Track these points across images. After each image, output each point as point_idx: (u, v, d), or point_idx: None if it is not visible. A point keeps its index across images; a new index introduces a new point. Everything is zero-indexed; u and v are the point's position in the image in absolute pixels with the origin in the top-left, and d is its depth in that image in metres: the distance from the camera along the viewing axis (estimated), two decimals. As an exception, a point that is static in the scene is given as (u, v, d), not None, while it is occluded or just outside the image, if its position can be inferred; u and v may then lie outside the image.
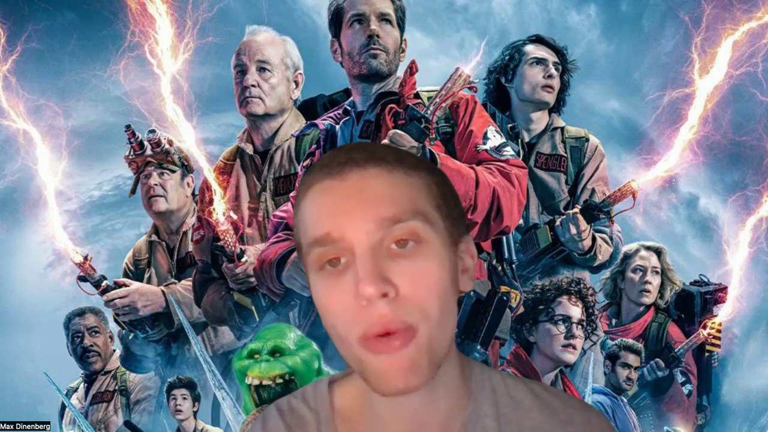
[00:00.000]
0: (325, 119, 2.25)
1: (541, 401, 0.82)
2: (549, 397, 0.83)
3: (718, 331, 3.02)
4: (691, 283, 3.23)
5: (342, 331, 0.73)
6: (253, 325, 2.46)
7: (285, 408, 0.85)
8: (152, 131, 2.91)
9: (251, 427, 0.90)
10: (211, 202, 2.43)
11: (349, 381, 0.84)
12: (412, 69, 2.13)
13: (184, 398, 2.58)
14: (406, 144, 1.91)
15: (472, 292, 2.00)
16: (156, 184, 2.97)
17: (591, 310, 2.40)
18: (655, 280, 3.22)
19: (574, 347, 2.32)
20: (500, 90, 3.03)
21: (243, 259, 2.41)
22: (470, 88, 2.03)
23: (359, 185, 0.73)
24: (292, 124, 2.70)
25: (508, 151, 2.10)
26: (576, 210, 2.61)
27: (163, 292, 2.90)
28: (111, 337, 3.27)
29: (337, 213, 0.73)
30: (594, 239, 2.68)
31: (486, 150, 2.08)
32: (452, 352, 0.79)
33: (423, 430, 0.79)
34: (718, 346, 3.08)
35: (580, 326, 2.34)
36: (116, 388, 3.20)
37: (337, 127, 2.23)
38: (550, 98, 2.94)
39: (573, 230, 2.58)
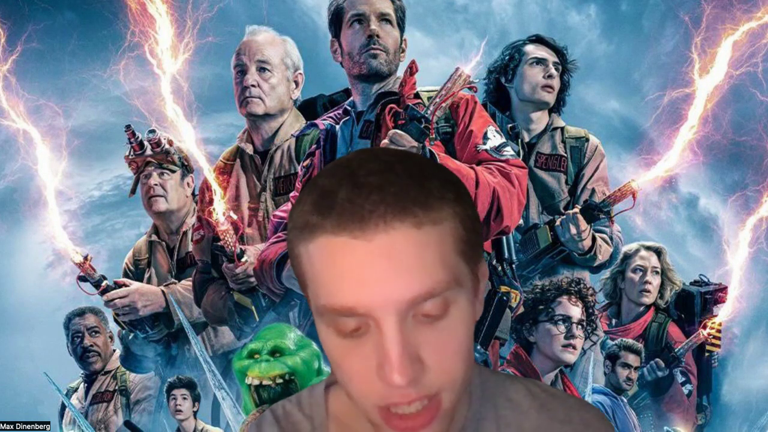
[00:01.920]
0: (325, 119, 2.25)
1: (540, 402, 0.82)
2: (547, 397, 0.82)
3: (718, 331, 3.02)
4: (691, 283, 3.23)
5: (356, 392, 0.69)
6: (253, 325, 2.46)
7: (280, 413, 0.83)
8: (152, 131, 2.91)
9: (249, 428, 0.90)
10: (211, 202, 2.43)
11: None
12: (412, 69, 2.13)
13: (184, 398, 2.58)
14: (406, 144, 1.92)
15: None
16: (156, 184, 2.97)
17: (591, 310, 2.40)
18: (655, 280, 3.21)
19: (574, 347, 2.32)
20: (500, 90, 3.02)
21: (243, 259, 2.41)
22: (470, 88, 2.03)
23: (386, 248, 0.64)
24: (292, 124, 2.70)
25: (508, 151, 2.10)
26: (576, 210, 2.61)
27: (163, 292, 2.90)
28: (111, 337, 3.27)
29: (363, 285, 0.65)
30: (594, 239, 2.68)
31: (486, 150, 2.08)
32: None
33: None
34: (718, 346, 3.07)
35: (580, 326, 2.34)
36: (116, 388, 3.20)
37: (337, 127, 2.23)
38: (550, 98, 2.94)
39: (573, 230, 2.58)
